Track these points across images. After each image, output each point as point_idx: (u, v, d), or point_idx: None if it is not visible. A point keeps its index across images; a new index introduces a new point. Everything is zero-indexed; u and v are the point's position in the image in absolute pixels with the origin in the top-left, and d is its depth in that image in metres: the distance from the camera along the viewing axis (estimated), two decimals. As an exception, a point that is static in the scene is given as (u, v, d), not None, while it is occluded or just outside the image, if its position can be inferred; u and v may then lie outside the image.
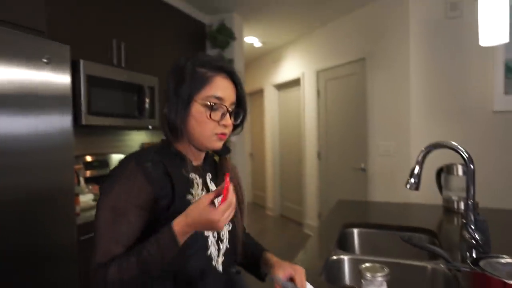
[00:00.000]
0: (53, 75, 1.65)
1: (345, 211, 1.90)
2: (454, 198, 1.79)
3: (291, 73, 4.89)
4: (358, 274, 0.83)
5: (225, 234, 0.89)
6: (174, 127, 0.83)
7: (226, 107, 0.84)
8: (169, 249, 0.71)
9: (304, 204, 4.67)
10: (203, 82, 0.82)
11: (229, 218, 0.73)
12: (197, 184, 0.86)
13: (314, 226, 4.38)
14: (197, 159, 0.91)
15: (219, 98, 0.82)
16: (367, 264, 0.83)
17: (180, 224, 0.71)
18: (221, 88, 0.83)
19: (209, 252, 0.84)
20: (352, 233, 1.59)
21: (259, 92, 5.96)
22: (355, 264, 1.19)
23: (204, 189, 0.88)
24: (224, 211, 0.71)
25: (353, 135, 3.74)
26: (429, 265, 1.12)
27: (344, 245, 1.53)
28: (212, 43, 3.63)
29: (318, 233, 1.54)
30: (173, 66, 0.86)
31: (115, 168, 0.80)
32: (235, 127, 0.90)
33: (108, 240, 0.74)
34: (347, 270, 1.21)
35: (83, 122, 2.07)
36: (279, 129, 5.54)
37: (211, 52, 3.69)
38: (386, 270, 0.80)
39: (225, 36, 3.56)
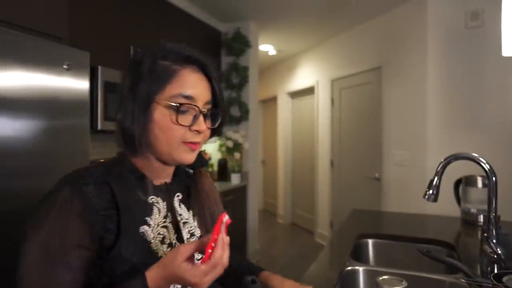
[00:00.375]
0: (73, 81, 1.68)
1: (359, 221, 1.87)
2: (473, 210, 1.74)
3: (305, 81, 4.89)
4: (373, 286, 0.81)
5: None
6: (131, 137, 0.64)
7: (198, 108, 0.66)
8: None
9: (316, 213, 4.62)
10: (166, 77, 0.64)
11: (216, 277, 0.58)
12: (158, 210, 0.69)
13: (325, 235, 4.32)
14: (161, 176, 0.72)
15: (188, 97, 0.65)
16: (385, 277, 0.82)
17: (155, 278, 0.57)
18: (190, 85, 0.65)
19: None
20: (367, 244, 1.56)
21: (273, 100, 5.97)
22: (371, 276, 1.16)
23: (169, 215, 0.71)
24: (206, 273, 0.55)
25: (367, 144, 3.70)
26: (447, 279, 1.09)
27: (359, 256, 1.51)
28: (228, 51, 3.68)
29: (331, 243, 1.52)
30: (129, 61, 0.69)
31: (46, 195, 0.62)
32: (213, 131, 0.73)
33: None
34: (362, 282, 1.19)
35: (99, 127, 2.11)
36: (291, 137, 5.53)
37: (226, 59, 3.72)
38: (404, 283, 0.79)
39: (241, 44, 3.60)
